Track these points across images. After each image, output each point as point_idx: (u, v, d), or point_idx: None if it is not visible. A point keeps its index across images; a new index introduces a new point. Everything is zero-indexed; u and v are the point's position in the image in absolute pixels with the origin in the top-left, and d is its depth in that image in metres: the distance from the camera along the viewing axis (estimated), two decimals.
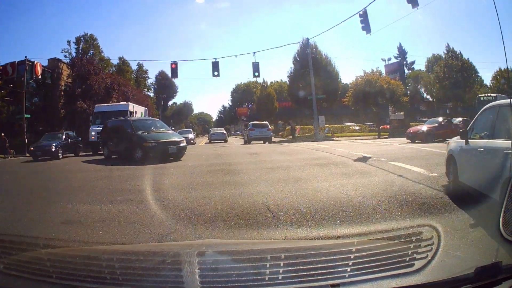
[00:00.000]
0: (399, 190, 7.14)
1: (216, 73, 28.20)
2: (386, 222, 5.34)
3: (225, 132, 42.89)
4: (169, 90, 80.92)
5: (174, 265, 2.43)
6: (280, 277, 1.98)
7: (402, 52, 74.51)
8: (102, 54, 53.59)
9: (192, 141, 34.19)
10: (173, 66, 28.39)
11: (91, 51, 52.87)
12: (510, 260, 1.98)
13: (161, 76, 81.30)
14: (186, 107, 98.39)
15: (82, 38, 53.16)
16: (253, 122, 33.29)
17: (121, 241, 4.95)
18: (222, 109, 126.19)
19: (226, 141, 38.69)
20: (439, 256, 2.04)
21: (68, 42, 52.10)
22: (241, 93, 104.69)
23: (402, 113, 39.78)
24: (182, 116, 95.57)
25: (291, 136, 37.60)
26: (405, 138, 24.78)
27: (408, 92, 47.09)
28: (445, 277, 1.77)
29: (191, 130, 40.60)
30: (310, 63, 32.67)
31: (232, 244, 3.66)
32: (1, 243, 3.48)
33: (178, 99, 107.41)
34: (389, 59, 50.81)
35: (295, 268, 2.18)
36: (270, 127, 32.65)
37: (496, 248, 2.38)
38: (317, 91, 33.14)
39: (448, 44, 52.34)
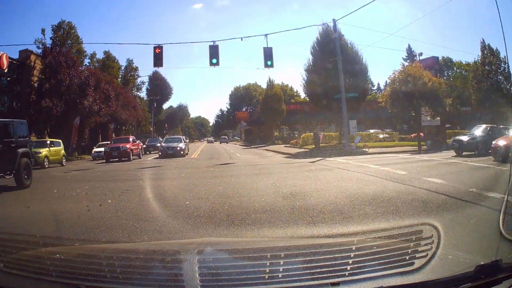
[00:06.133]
0: None
1: (214, 60, 20.64)
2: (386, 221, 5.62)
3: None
4: (163, 91, 74.48)
5: (174, 263, 2.38)
6: (280, 276, 1.96)
7: (411, 55, 70.86)
8: (82, 45, 46.14)
9: (182, 153, 26.38)
10: (157, 50, 20.91)
11: (69, 41, 45.28)
12: (510, 259, 1.95)
13: (154, 76, 75.02)
14: (181, 110, 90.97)
15: (60, 26, 45.75)
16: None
17: None
18: (220, 113, 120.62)
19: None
20: (439, 254, 2.01)
21: (43, 31, 44.87)
22: (240, 97, 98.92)
23: (439, 118, 32.46)
24: (176, 120, 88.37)
25: (313, 145, 30.00)
26: (452, 152, 19.71)
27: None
28: (445, 275, 1.76)
29: (182, 137, 32.85)
30: (338, 51, 25.13)
31: (232, 242, 3.66)
32: (1, 242, 3.49)
33: (174, 103, 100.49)
34: (421, 54, 43.38)
35: (295, 266, 2.19)
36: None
37: (496, 247, 2.30)
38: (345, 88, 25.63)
39: (483, 40, 44.99)
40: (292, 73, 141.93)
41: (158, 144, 34.91)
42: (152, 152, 34.68)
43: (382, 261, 2.06)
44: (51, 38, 43.94)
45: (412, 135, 36.24)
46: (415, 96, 26.73)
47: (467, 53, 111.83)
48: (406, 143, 31.36)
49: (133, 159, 25.67)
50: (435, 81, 28.32)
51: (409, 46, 68.80)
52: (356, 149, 25.01)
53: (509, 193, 3.19)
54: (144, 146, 36.58)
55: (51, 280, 1.86)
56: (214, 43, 21.29)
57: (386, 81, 38.21)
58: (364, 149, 25.00)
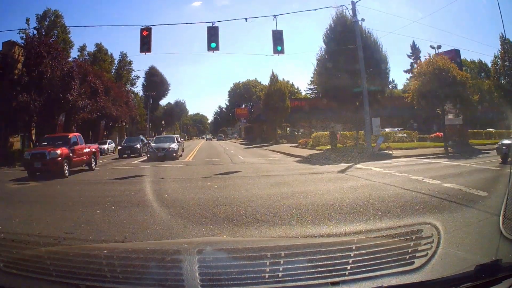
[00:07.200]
0: None
1: (213, 44, 17.03)
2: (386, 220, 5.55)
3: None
4: (159, 87, 71.43)
5: (174, 263, 2.37)
6: (280, 275, 1.97)
7: (415, 51, 67.68)
8: (69, 36, 42.43)
9: (174, 155, 22.62)
10: (145, 33, 17.25)
11: (55, 32, 41.68)
12: (510, 258, 1.94)
13: (150, 72, 71.85)
14: (179, 107, 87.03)
15: (45, 15, 42.19)
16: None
17: None
18: (219, 110, 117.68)
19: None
20: (439, 254, 2.01)
21: (27, 20, 41.17)
22: (239, 93, 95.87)
23: (461, 117, 29.46)
24: (174, 117, 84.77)
25: (326, 146, 26.37)
26: (489, 156, 17.72)
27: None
28: (445, 275, 1.75)
29: (175, 136, 28.27)
30: (358, 37, 21.41)
31: (232, 241, 3.79)
32: (2, 242, 3.71)
33: (171, 99, 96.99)
34: (439, 46, 39.60)
35: (295, 266, 2.17)
36: None
37: (496, 247, 2.28)
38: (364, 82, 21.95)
39: (503, 34, 41.40)
40: (292, 70, 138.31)
41: (138, 146, 28.81)
42: (132, 156, 27.39)
43: (382, 261, 2.02)
44: (35, 27, 40.33)
45: (432, 135, 32.65)
46: (444, 92, 23.32)
47: (477, 47, 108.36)
48: (428, 144, 27.89)
49: (75, 173, 16.08)
50: (463, 76, 25.03)
51: (413, 42, 66.42)
52: (378, 151, 21.37)
53: (509, 193, 3.00)
54: (120, 147, 30.80)
55: (51, 280, 1.85)
56: (213, 24, 17.69)
57: (390, 80, 34.40)
58: (387, 151, 21.37)
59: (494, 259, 1.78)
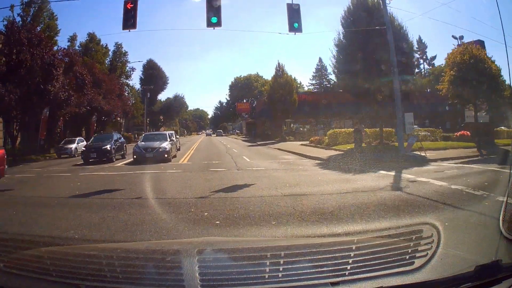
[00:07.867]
0: None
1: (214, 19, 13.68)
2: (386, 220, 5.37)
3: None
4: (157, 81, 68.59)
5: (174, 263, 2.34)
6: (280, 275, 1.95)
7: (421, 46, 67.06)
8: (56, 22, 38.93)
9: (166, 156, 19.13)
10: (129, 6, 13.82)
11: (41, 19, 38.54)
12: (510, 258, 1.91)
13: (148, 65, 68.90)
14: (178, 102, 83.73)
15: (31, 1, 38.78)
16: None
17: None
18: (219, 105, 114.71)
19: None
20: (439, 254, 1.98)
21: (11, 7, 37.80)
22: (240, 88, 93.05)
23: (488, 114, 26.63)
24: (173, 112, 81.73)
25: (345, 145, 23.07)
26: None
27: None
28: (445, 275, 1.72)
29: (168, 133, 23.92)
30: (387, 17, 17.96)
31: (232, 241, 3.63)
32: (2, 242, 3.51)
33: (171, 94, 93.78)
34: (462, 37, 36.38)
35: (295, 266, 2.14)
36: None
37: (496, 247, 2.21)
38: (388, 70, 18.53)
39: None
40: (293, 67, 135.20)
41: (108, 147, 21.07)
42: (103, 160, 20.54)
43: (382, 261, 2.00)
44: (19, 14, 37.26)
45: (457, 134, 30.00)
46: (480, 84, 20.32)
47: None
48: (456, 144, 24.71)
49: None
50: (495, 69, 22.06)
51: (419, 37, 65.73)
52: (410, 152, 17.93)
53: (509, 193, 3.01)
54: (83, 149, 22.86)
55: (51, 280, 1.82)
56: None
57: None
58: (419, 153, 17.95)
59: (494, 259, 1.76)
